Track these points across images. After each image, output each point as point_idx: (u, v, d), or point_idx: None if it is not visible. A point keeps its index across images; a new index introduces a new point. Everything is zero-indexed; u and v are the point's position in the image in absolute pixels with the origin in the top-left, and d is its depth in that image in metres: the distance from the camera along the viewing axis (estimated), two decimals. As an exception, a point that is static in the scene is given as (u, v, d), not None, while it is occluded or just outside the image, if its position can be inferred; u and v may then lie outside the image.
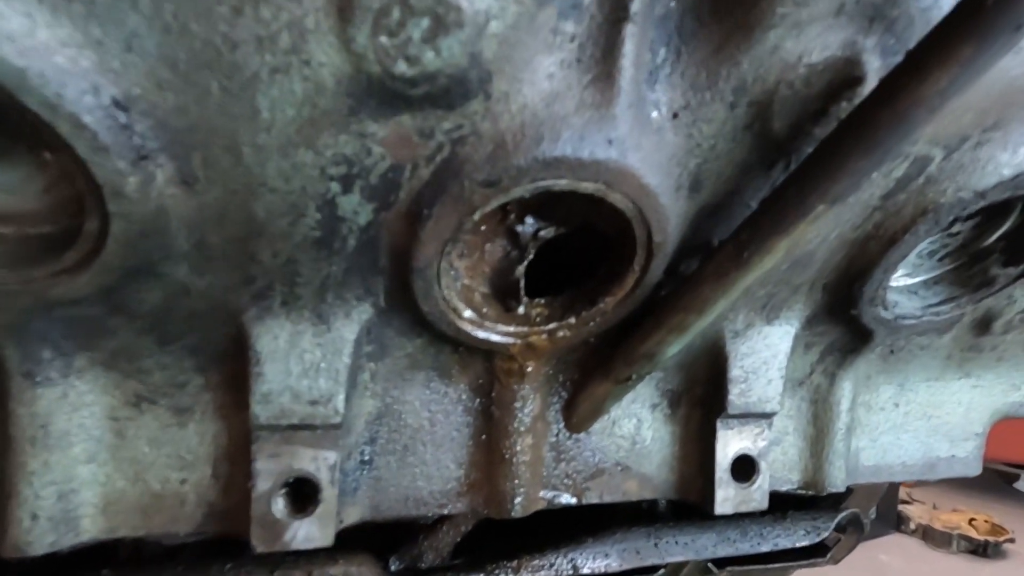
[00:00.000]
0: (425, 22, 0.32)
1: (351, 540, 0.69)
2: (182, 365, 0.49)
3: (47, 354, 0.45)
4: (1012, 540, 2.51)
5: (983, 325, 0.70)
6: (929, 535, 2.67)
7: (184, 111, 0.34)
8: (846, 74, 0.40)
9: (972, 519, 2.68)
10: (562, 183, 0.41)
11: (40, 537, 0.46)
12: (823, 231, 0.51)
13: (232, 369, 0.50)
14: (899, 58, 0.37)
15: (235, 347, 0.48)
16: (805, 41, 0.39)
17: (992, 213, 0.60)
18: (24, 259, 0.39)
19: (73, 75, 0.30)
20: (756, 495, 0.64)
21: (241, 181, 0.38)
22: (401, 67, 0.33)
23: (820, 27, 0.38)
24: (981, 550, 2.54)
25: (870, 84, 0.41)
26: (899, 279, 0.64)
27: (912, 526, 2.70)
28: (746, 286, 0.46)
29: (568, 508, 0.80)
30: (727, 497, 0.63)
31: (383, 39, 0.32)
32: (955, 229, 0.62)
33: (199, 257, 0.41)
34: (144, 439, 0.50)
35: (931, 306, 0.63)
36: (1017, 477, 3.38)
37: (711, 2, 0.38)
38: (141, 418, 0.50)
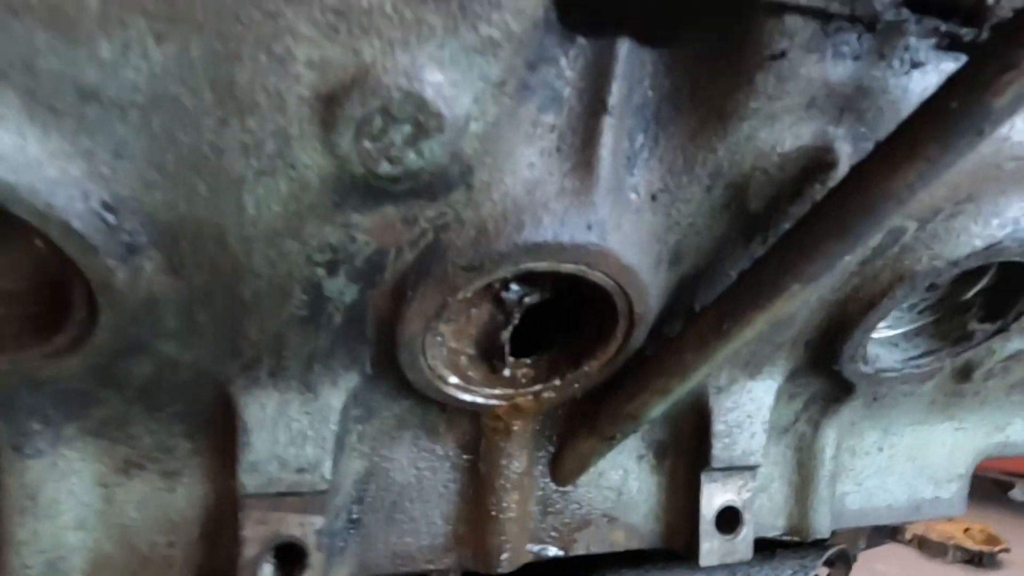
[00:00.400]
0: (407, 128, 0.33)
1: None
2: (171, 431, 0.50)
3: (36, 426, 0.46)
4: (1007, 550, 2.52)
5: (964, 374, 0.71)
6: (925, 545, 2.68)
7: (172, 207, 0.35)
8: (819, 160, 0.42)
9: (967, 529, 2.68)
10: (543, 265, 0.42)
11: (27, 607, 0.46)
12: (799, 304, 0.52)
13: (220, 434, 0.50)
14: (870, 144, 0.38)
15: (223, 414, 0.49)
16: (778, 131, 0.40)
17: (969, 271, 0.61)
18: (12, 340, 0.40)
19: (63, 184, 0.31)
20: (740, 546, 0.64)
21: (228, 267, 0.38)
22: (384, 168, 0.34)
23: (792, 118, 0.40)
24: (976, 560, 2.55)
25: (843, 168, 0.42)
26: (880, 331, 0.65)
27: (908, 536, 2.70)
28: (726, 355, 0.47)
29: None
30: (712, 549, 0.63)
31: (366, 143, 0.33)
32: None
33: (188, 334, 0.42)
34: (133, 504, 0.50)
35: (911, 359, 0.64)
36: (1012, 486, 3.38)
37: (688, 91, 0.39)
38: (130, 483, 0.50)
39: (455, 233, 0.40)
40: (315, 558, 0.50)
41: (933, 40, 0.38)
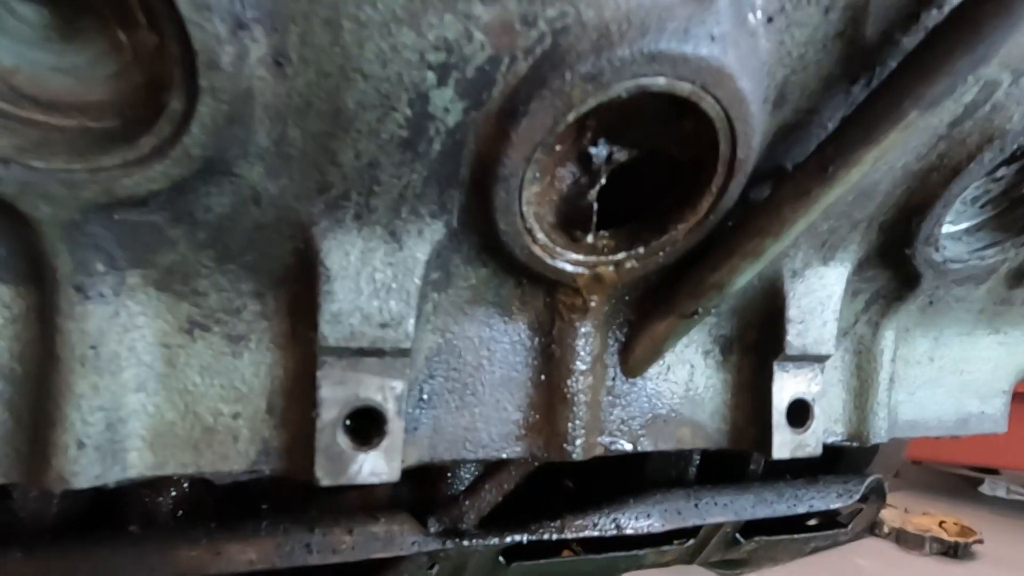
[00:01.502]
0: None
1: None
2: (239, 288, 0.46)
3: (100, 267, 0.42)
4: (981, 541, 2.60)
5: (1018, 276, 0.71)
6: (902, 538, 2.73)
7: None
8: (940, -22, 0.41)
9: (942, 522, 2.75)
10: (660, 82, 0.40)
11: (86, 468, 0.42)
12: (898, 155, 0.51)
13: (292, 293, 0.47)
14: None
15: (299, 266, 0.45)
16: (907, -62, 0.39)
17: (1036, 156, 0.61)
18: (92, 148, 0.36)
19: None
20: (810, 440, 0.63)
21: (336, 64, 0.36)
22: None
23: (922, -76, 0.39)
24: (952, 551, 2.61)
25: (960, -8, 0.41)
26: (945, 226, 0.65)
27: (886, 529, 2.76)
28: (827, 205, 0.45)
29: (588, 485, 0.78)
30: (783, 441, 0.62)
31: None
32: (999, 174, 0.63)
33: (277, 155, 0.39)
34: (196, 368, 0.47)
35: (976, 250, 0.64)
36: (981, 481, 3.49)
37: None
38: (193, 346, 0.47)
39: (575, 37, 0.37)
40: (395, 425, 0.47)
41: None
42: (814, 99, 0.46)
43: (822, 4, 0.41)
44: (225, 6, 0.31)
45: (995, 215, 0.65)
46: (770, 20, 0.41)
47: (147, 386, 0.45)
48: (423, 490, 0.80)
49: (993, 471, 3.50)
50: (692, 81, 0.40)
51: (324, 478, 0.45)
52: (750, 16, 0.41)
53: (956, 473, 3.64)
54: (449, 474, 0.81)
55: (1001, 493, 3.39)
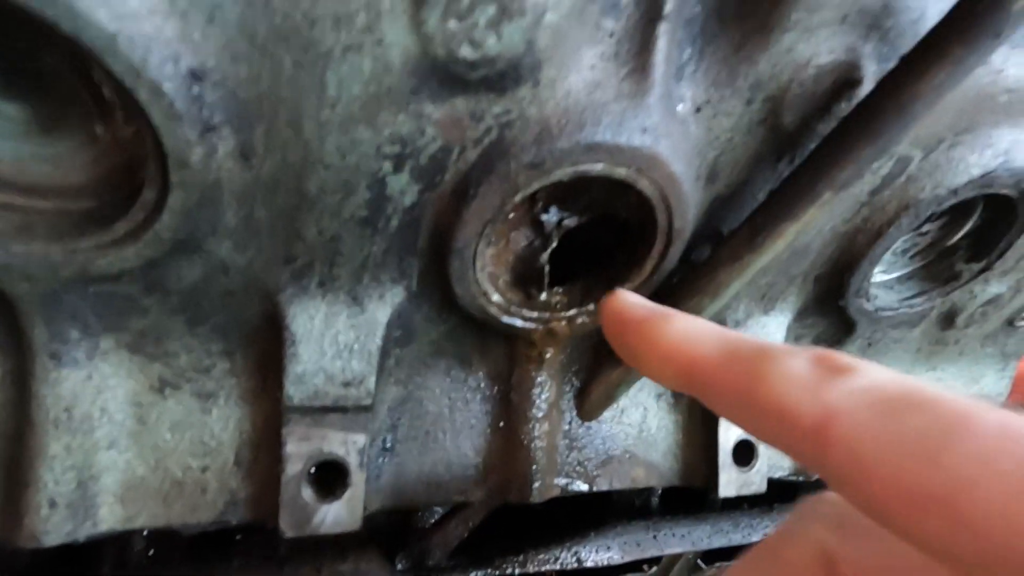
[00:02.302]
0: (491, 9, 0.35)
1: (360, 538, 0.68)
2: (209, 348, 0.49)
3: (75, 334, 0.44)
4: None
5: (948, 319, 0.77)
6: None
7: (254, 83, 0.35)
8: (848, 76, 0.45)
9: None
10: (598, 168, 0.44)
11: (58, 526, 0.44)
12: (823, 221, 0.56)
13: (259, 352, 0.50)
14: (892, 64, 0.42)
15: (266, 328, 0.48)
16: (815, 44, 0.44)
17: (957, 214, 0.66)
18: (69, 231, 0.39)
19: (157, 42, 0.31)
20: (755, 478, 0.67)
21: (299, 155, 0.39)
22: (465, 50, 0.36)
23: (828, 32, 0.43)
24: None
25: (867, 86, 0.46)
26: (877, 275, 0.70)
27: None
28: (757, 269, 0.50)
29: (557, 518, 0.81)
30: (730, 480, 0.66)
31: (452, 23, 0.35)
32: (925, 229, 0.69)
33: (245, 232, 0.42)
34: (166, 425, 0.49)
35: (906, 299, 0.69)
36: None
37: (733, 6, 0.42)
38: (164, 403, 0.49)
39: (519, 131, 0.41)
40: (357, 477, 0.50)
41: (949, -35, 0.43)
42: (744, 175, 0.51)
43: (744, 96, 0.45)
44: (195, 114, 0.34)
45: (923, 266, 0.70)
46: (698, 110, 0.46)
47: (119, 443, 0.47)
48: (398, 521, 0.82)
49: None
50: (628, 166, 0.44)
51: (289, 530, 0.48)
52: (679, 107, 0.45)
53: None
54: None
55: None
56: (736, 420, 0.28)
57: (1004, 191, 0.57)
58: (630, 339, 0.35)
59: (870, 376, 0.23)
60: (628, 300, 0.38)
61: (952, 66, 0.38)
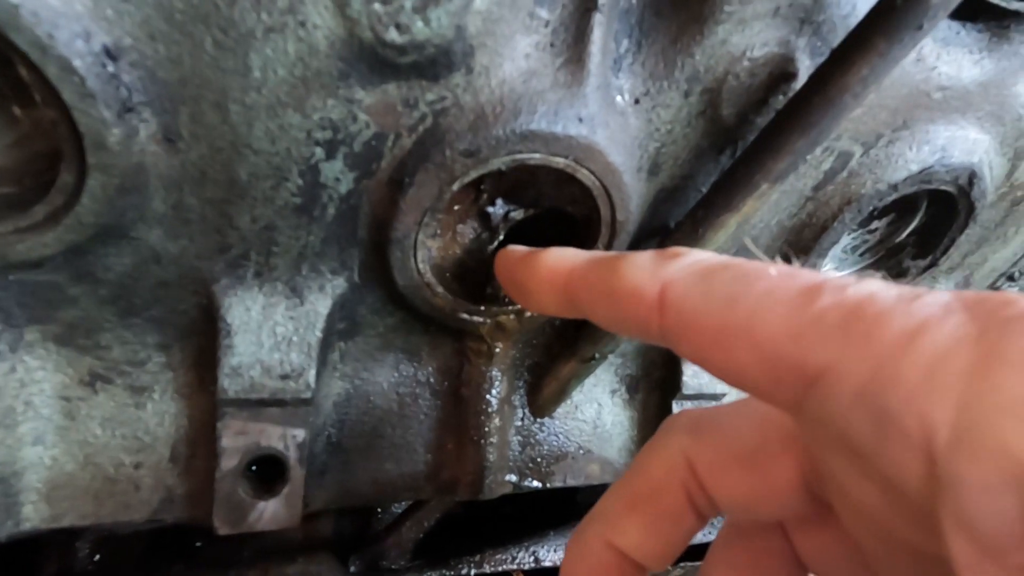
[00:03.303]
0: None
1: (312, 540, 0.67)
2: (144, 340, 0.48)
3: (-3, 325, 0.43)
4: None
5: (900, 316, 0.78)
6: None
7: (175, 64, 0.34)
8: (783, 68, 0.46)
9: None
10: (536, 157, 0.44)
11: (-24, 524, 0.42)
12: (766, 216, 0.56)
13: (197, 345, 0.49)
14: (824, 58, 0.43)
15: (202, 320, 0.47)
16: (749, 36, 0.44)
17: (903, 211, 0.67)
18: (-15, 215, 0.38)
19: (66, 17, 0.31)
20: (710, 474, 0.67)
21: (226, 140, 0.38)
22: (392, 34, 0.36)
23: (761, 25, 0.44)
24: None
25: (802, 79, 0.47)
26: (830, 271, 0.71)
27: None
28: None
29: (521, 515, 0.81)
30: (684, 476, 0.66)
31: (376, 6, 0.35)
32: (874, 226, 0.70)
33: (175, 220, 0.41)
34: (97, 420, 0.48)
35: (856, 295, 0.70)
36: None
37: None
38: (95, 398, 0.48)
39: (454, 118, 0.41)
40: (296, 472, 0.49)
41: (876, -38, 0.44)
42: (687, 167, 0.51)
43: (682, 88, 0.46)
44: (111, 93, 0.34)
45: (873, 263, 0.71)
46: (637, 102, 0.46)
47: (45, 439, 0.46)
48: (357, 523, 0.81)
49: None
50: (565, 156, 0.44)
51: (222, 527, 0.46)
52: (618, 98, 0.45)
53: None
54: (379, 509, 0.82)
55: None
56: (604, 319, 0.30)
57: (943, 187, 0.58)
58: (516, 274, 0.38)
59: (695, 255, 0.28)
60: (513, 248, 0.42)
61: (877, 59, 0.39)
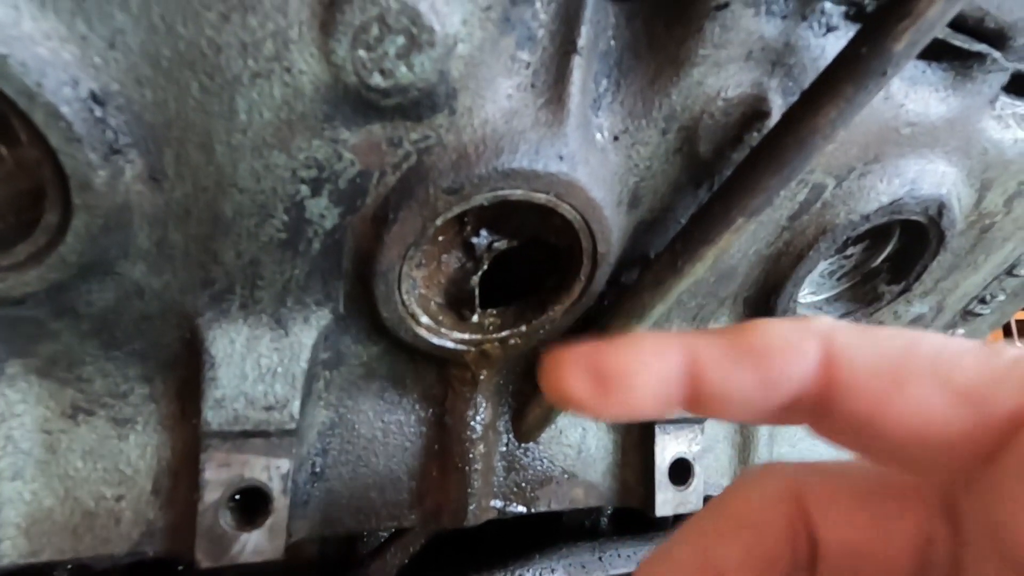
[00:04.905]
0: (400, 40, 0.36)
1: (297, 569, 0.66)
2: (126, 373, 0.48)
3: (-23, 359, 0.43)
4: None
5: (876, 338, 0.80)
6: None
7: (161, 107, 0.35)
8: (756, 108, 0.48)
9: None
10: (518, 193, 0.45)
11: (-48, 562, 0.42)
12: (744, 245, 0.58)
13: (180, 377, 0.49)
14: (796, 98, 0.45)
15: (186, 353, 0.47)
16: (723, 78, 0.46)
17: (877, 238, 0.69)
18: (-33, 253, 0.38)
19: (54, 66, 0.31)
20: (692, 497, 0.68)
21: (211, 179, 0.39)
22: (376, 79, 0.37)
23: (735, 67, 0.46)
24: None
25: (775, 118, 0.48)
26: (806, 297, 0.73)
27: None
28: (680, 292, 0.51)
29: (507, 538, 0.81)
30: (666, 500, 0.66)
31: (361, 52, 0.36)
32: (849, 252, 0.72)
33: (159, 256, 0.42)
34: (78, 453, 0.47)
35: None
36: None
37: (646, 41, 0.44)
38: (76, 430, 0.47)
39: (437, 157, 0.42)
40: (279, 503, 0.49)
41: (843, 8, 0.46)
42: (666, 200, 0.52)
43: (659, 126, 0.47)
44: (97, 136, 0.34)
45: (849, 287, 0.73)
46: (616, 139, 0.47)
47: (24, 474, 0.46)
48: (340, 550, 0.80)
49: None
50: (546, 192, 0.45)
51: (204, 560, 0.46)
52: (598, 136, 0.46)
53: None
54: (364, 534, 0.82)
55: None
56: (745, 390, 0.24)
57: (914, 217, 0.60)
58: (602, 368, 0.25)
59: (828, 318, 0.25)
60: (567, 348, 0.27)
61: (845, 103, 0.41)
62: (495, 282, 0.56)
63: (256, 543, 0.48)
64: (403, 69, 0.37)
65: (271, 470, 0.49)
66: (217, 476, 0.47)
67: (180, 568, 0.77)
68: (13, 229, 0.39)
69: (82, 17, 0.31)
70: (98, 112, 0.34)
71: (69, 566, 0.70)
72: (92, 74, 0.33)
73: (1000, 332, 2.98)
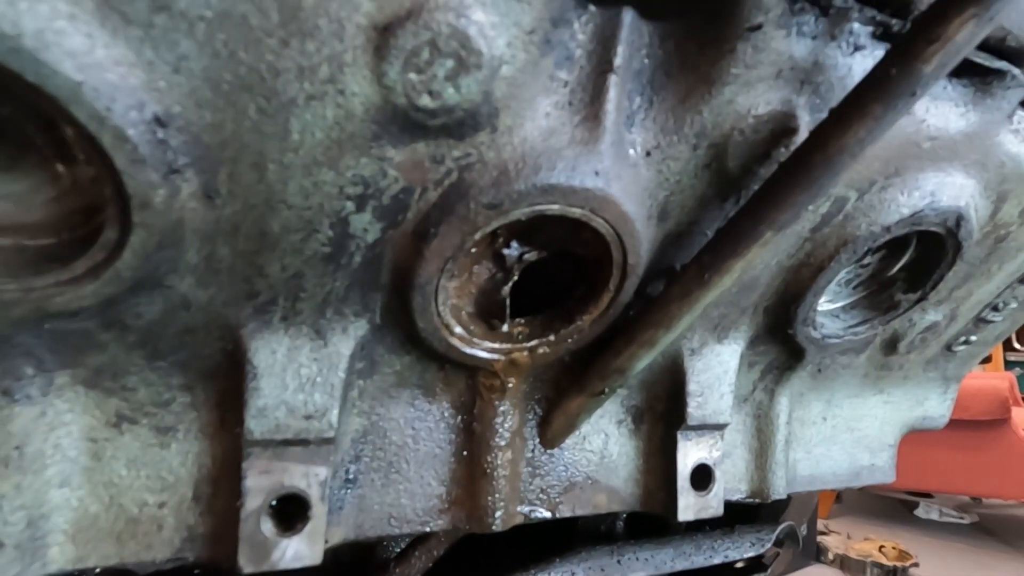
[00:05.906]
0: (450, 63, 0.37)
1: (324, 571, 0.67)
2: (169, 383, 0.49)
3: (29, 370, 0.44)
4: (916, 564, 2.77)
5: (891, 346, 0.81)
6: (846, 564, 2.87)
7: (219, 129, 0.36)
8: (784, 125, 0.49)
9: (882, 546, 2.91)
10: (555, 208, 0.46)
11: (5, 568, 0.43)
12: (768, 257, 0.59)
13: (221, 386, 0.50)
14: (823, 115, 0.46)
15: (228, 363, 0.48)
16: (753, 97, 0.47)
17: (894, 248, 0.71)
18: (26, 267, 0.39)
19: (122, 91, 0.32)
20: (713, 502, 0.69)
21: (262, 197, 0.40)
22: (425, 100, 0.38)
23: (764, 86, 0.47)
24: (891, 574, 2.76)
25: (802, 134, 0.50)
26: (824, 304, 0.74)
27: (831, 556, 2.90)
28: (707, 303, 0.52)
29: (525, 542, 0.82)
30: (688, 505, 0.67)
31: (412, 75, 0.37)
32: (866, 261, 0.73)
33: (206, 270, 0.43)
34: (122, 461, 0.48)
35: (850, 327, 0.73)
36: (917, 505, 3.73)
37: (678, 60, 0.46)
38: (120, 439, 0.49)
39: (478, 173, 0.43)
40: (318, 510, 0.50)
41: (871, 28, 0.47)
42: (693, 214, 0.54)
43: (690, 142, 0.48)
44: (159, 157, 0.35)
45: (865, 296, 0.74)
46: (648, 154, 0.48)
47: (71, 481, 0.47)
48: (361, 554, 0.81)
49: (927, 495, 3.75)
50: (582, 207, 0.46)
51: (247, 566, 0.47)
52: (631, 151, 0.48)
53: (894, 497, 3.87)
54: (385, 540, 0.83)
55: (934, 516, 3.63)
56: None
57: (932, 228, 0.61)
58: None
59: None
60: None
61: (873, 122, 0.42)
62: (523, 292, 0.57)
63: (296, 549, 0.49)
64: (450, 90, 0.38)
65: (310, 477, 0.50)
66: (258, 483, 0.48)
67: (196, 572, 0.78)
68: (68, 245, 0.40)
69: (150, 44, 0.32)
70: (160, 134, 0.35)
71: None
72: (156, 97, 0.34)
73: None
